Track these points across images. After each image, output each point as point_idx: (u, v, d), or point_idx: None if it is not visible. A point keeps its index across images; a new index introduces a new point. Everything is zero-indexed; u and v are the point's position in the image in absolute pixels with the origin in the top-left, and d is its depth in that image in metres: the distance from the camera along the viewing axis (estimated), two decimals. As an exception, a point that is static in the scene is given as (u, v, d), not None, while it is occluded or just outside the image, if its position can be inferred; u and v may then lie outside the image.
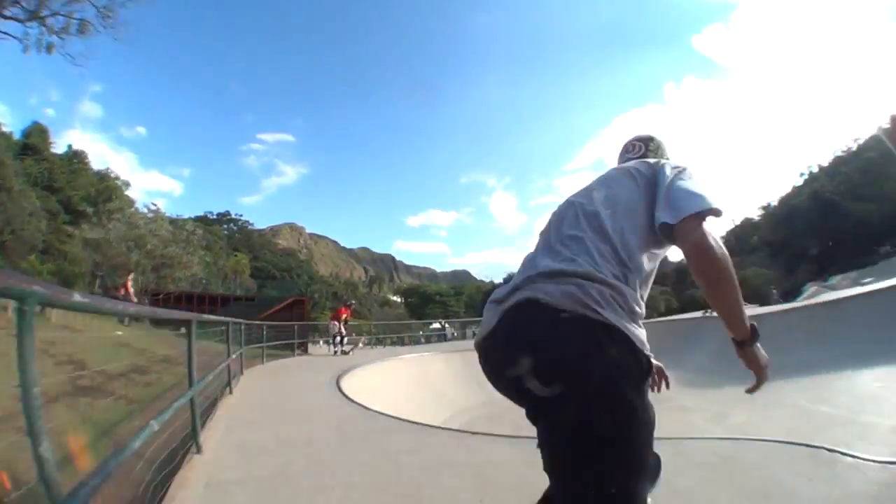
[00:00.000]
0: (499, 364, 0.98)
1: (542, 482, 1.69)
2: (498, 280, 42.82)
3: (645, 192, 1.08)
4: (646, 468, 0.90)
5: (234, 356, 5.78)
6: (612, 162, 1.52)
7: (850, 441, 3.43)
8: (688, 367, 10.28)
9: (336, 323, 12.15)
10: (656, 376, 1.29)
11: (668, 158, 1.30)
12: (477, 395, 10.10)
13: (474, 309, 37.05)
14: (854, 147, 58.05)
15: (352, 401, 5.43)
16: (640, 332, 0.93)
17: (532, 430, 0.96)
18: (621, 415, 0.85)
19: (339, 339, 11.84)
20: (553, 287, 0.92)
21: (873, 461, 2.60)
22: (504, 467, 2.95)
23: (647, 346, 0.94)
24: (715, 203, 0.97)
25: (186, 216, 41.04)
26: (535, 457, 1.05)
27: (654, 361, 1.00)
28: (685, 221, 0.96)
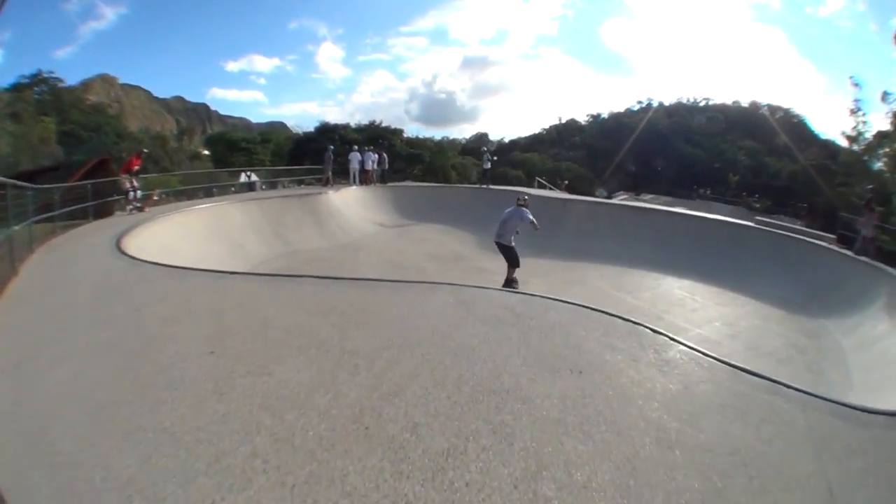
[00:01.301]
0: (498, 245, 7.93)
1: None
2: (308, 129, 40.48)
3: (517, 216, 7.68)
4: (518, 260, 7.89)
5: (17, 227, 5.59)
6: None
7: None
8: (484, 233, 10.45)
9: (127, 176, 10.28)
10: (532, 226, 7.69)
11: (527, 199, 8.06)
12: (276, 247, 10.15)
13: (282, 158, 34.55)
14: (702, 104, 65.34)
15: (124, 254, 5.45)
16: (514, 244, 7.82)
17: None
18: (513, 252, 7.85)
19: (131, 194, 10.22)
20: (499, 238, 7.86)
21: (713, 357, 2.17)
22: (248, 298, 3.10)
23: (514, 242, 7.80)
24: (531, 217, 7.68)
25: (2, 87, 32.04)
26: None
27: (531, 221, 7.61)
28: (532, 222, 7.66)
